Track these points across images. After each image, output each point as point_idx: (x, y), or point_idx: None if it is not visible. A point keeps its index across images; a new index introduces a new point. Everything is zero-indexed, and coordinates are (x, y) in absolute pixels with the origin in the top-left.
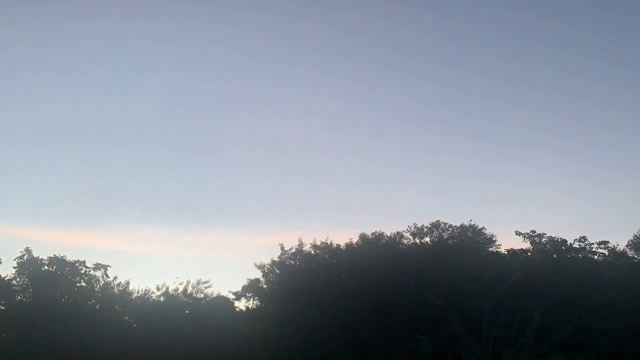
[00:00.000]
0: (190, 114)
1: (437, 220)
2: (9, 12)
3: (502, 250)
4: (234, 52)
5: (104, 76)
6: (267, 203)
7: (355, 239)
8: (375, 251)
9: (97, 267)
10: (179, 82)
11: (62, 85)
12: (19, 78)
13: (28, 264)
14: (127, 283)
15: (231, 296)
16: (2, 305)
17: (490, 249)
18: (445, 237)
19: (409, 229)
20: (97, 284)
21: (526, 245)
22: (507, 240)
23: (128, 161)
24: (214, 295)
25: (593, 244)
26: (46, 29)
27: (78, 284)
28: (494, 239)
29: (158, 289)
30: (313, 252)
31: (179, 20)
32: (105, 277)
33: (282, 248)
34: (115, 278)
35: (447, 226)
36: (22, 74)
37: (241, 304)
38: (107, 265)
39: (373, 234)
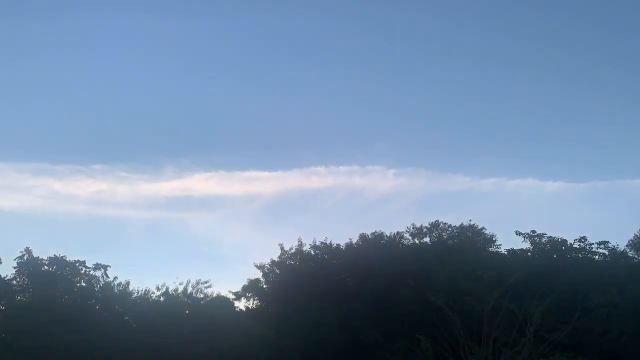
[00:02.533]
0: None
1: (437, 220)
2: None
3: (502, 250)
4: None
5: None
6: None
7: (355, 239)
8: (375, 251)
9: (97, 267)
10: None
11: None
12: None
13: (28, 264)
14: (127, 283)
15: (231, 296)
16: (2, 305)
17: (490, 249)
18: (445, 237)
19: (409, 229)
20: (97, 284)
21: (526, 245)
22: (507, 240)
23: None
24: (214, 295)
25: (593, 244)
26: None
27: (78, 284)
28: (494, 239)
29: (158, 289)
30: (313, 252)
31: None
32: (105, 277)
33: (282, 248)
34: (115, 278)
35: (446, 226)
36: None
37: (241, 304)
38: (107, 265)
39: (373, 234)
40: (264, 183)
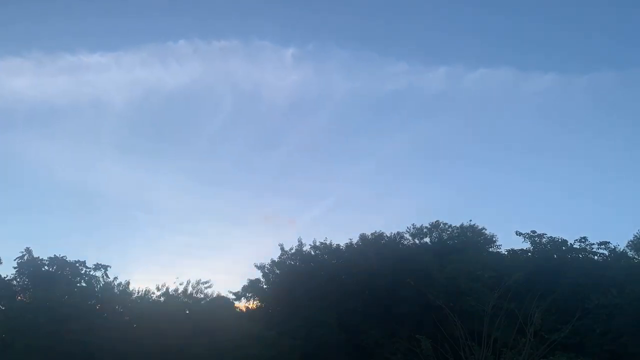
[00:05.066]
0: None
1: (437, 221)
2: None
3: (503, 250)
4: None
5: None
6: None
7: (355, 239)
8: (375, 251)
9: (98, 267)
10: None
11: None
12: None
13: (28, 264)
14: (127, 283)
15: (231, 296)
16: (2, 305)
17: (490, 249)
18: (445, 237)
19: (409, 230)
20: (97, 284)
21: (526, 245)
22: (508, 241)
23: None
24: (214, 295)
25: (593, 244)
26: None
27: (78, 284)
28: (494, 239)
29: (158, 289)
30: (313, 253)
31: None
32: (105, 277)
33: (282, 248)
34: (115, 278)
35: (446, 226)
36: None
37: (241, 304)
38: (107, 266)
39: (373, 234)
40: (103, 74)
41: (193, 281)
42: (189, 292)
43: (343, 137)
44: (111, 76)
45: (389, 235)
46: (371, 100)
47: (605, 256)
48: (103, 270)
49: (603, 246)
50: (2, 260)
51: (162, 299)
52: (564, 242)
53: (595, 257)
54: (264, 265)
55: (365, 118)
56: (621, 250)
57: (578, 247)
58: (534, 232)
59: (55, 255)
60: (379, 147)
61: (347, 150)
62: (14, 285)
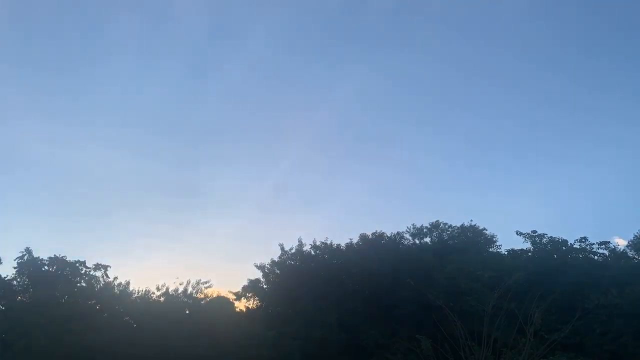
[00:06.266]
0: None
1: (437, 221)
2: None
3: (503, 250)
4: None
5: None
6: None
7: (355, 239)
8: (376, 251)
9: (98, 267)
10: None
11: None
12: None
13: (28, 264)
14: (127, 283)
15: (231, 296)
16: (2, 305)
17: (490, 249)
18: (445, 237)
19: (409, 229)
20: (97, 284)
21: (527, 245)
22: (508, 241)
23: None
24: (214, 296)
25: (594, 244)
26: None
27: (78, 284)
28: (494, 239)
29: (158, 289)
30: (313, 253)
31: None
32: (105, 277)
33: (282, 248)
34: (115, 278)
35: (447, 226)
36: None
37: (241, 304)
38: (107, 266)
39: (373, 234)
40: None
41: (193, 281)
42: (189, 292)
43: (286, 80)
44: None
45: (389, 235)
46: (317, 18)
47: (605, 256)
48: (103, 270)
49: (603, 246)
50: (2, 260)
51: (162, 299)
52: (564, 242)
53: (595, 257)
54: (264, 265)
55: (314, 46)
56: (621, 250)
57: (578, 247)
58: (534, 232)
59: (55, 255)
60: (331, 97)
61: (296, 98)
62: (14, 285)
